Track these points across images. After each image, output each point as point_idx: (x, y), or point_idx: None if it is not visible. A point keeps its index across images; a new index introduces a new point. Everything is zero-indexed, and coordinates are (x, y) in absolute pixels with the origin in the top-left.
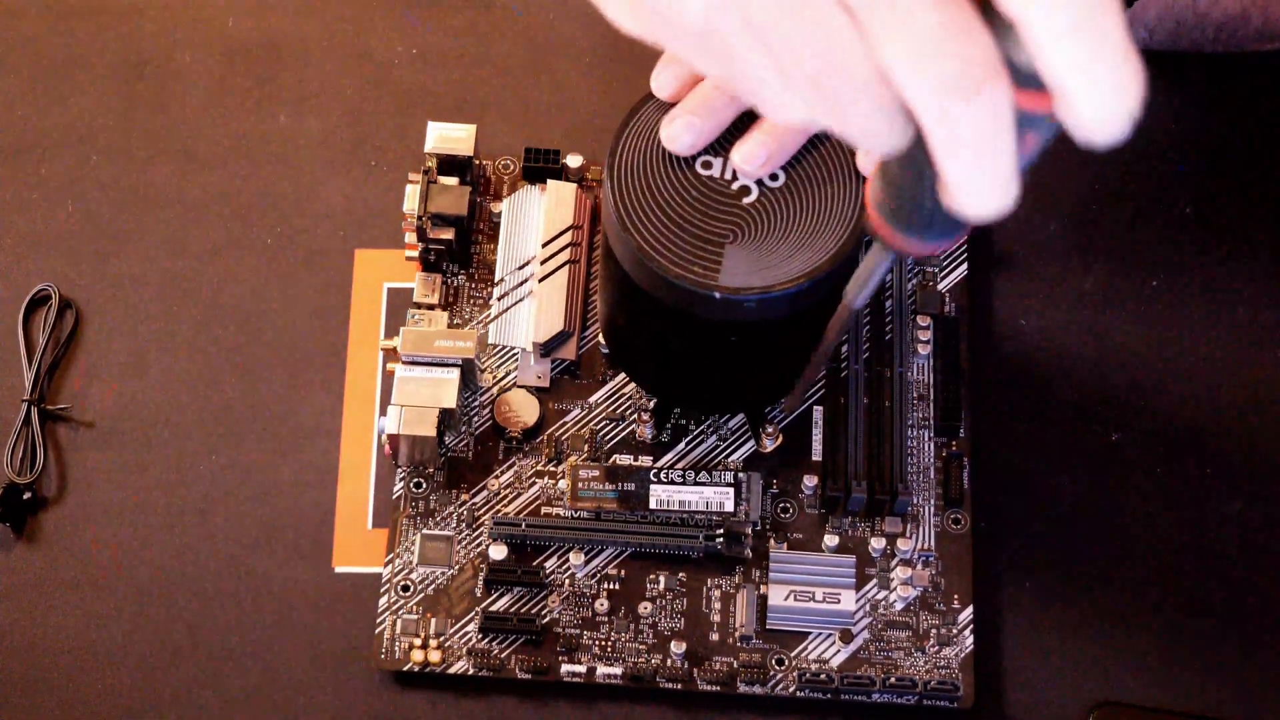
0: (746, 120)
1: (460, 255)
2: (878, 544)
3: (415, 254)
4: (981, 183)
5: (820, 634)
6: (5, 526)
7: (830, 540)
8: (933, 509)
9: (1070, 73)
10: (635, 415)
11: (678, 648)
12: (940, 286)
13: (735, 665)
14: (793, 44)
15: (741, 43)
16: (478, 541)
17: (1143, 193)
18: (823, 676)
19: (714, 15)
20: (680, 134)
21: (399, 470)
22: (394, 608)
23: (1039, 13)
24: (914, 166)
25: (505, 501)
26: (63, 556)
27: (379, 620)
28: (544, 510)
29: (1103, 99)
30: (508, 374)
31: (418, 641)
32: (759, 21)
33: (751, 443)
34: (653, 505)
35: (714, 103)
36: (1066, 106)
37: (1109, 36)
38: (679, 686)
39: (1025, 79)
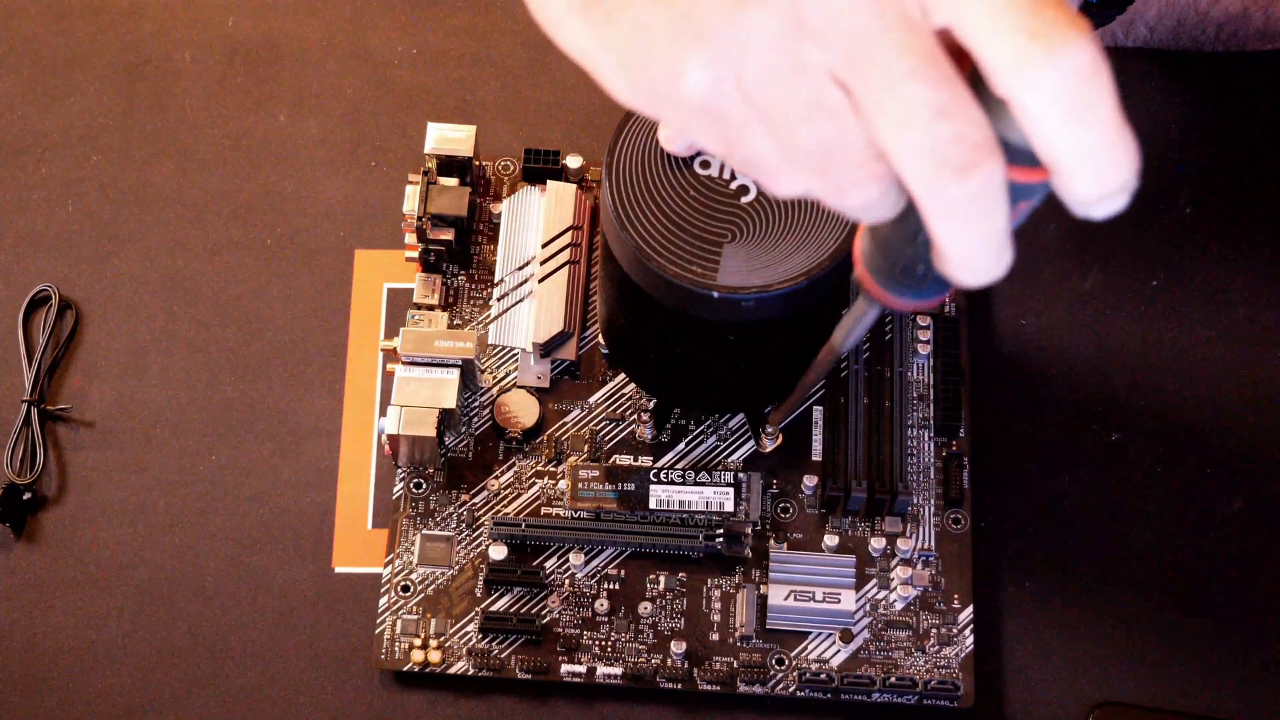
0: None
1: (460, 256)
2: (878, 544)
3: (415, 255)
4: (975, 254)
5: (820, 634)
6: (5, 526)
7: (830, 540)
8: (933, 509)
9: (1065, 152)
10: (635, 415)
11: (678, 648)
12: None
13: (735, 665)
14: (790, 120)
15: (740, 118)
16: (478, 542)
17: (1143, 193)
18: (823, 676)
19: (713, 91)
20: (677, 134)
21: (399, 470)
22: (394, 608)
23: (1032, 94)
24: (906, 229)
25: (505, 502)
26: (63, 556)
27: (379, 620)
28: (544, 510)
29: (1098, 176)
30: (508, 374)
31: (418, 642)
32: (757, 97)
33: (751, 443)
34: (652, 505)
35: None
36: (1062, 183)
37: (1102, 115)
38: (679, 686)
39: (1018, 155)
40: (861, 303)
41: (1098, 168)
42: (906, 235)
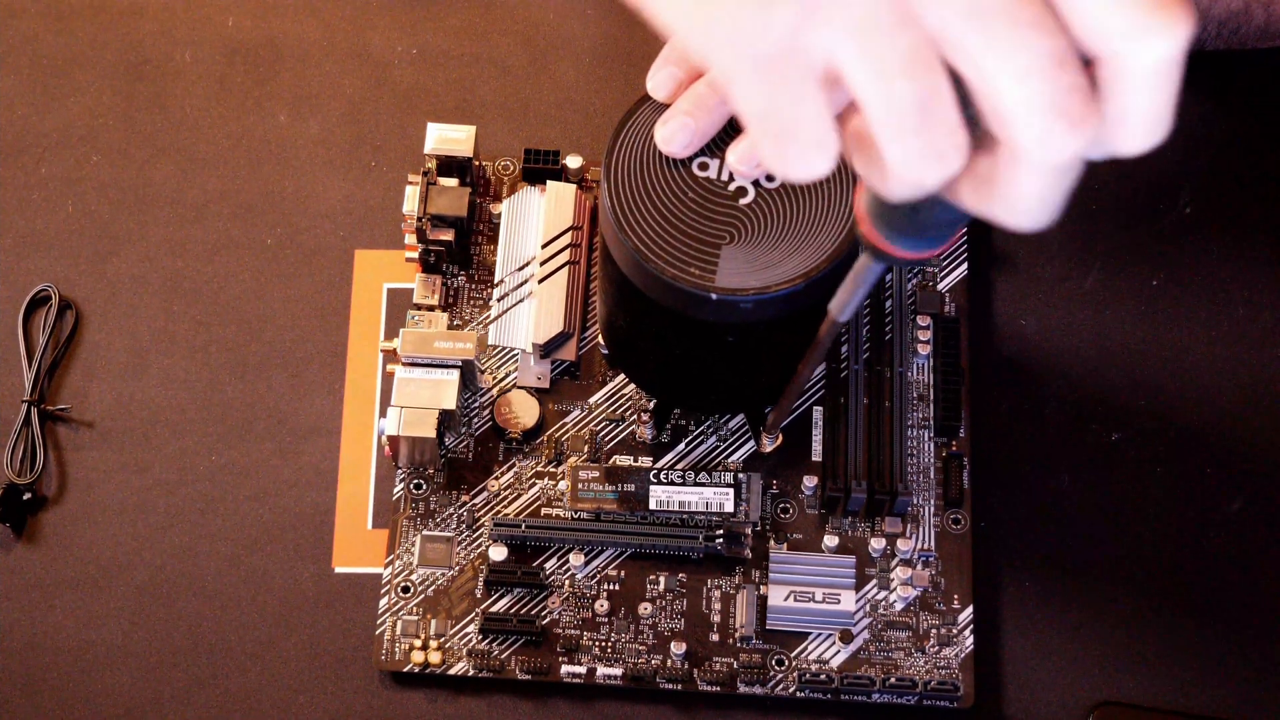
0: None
1: (460, 256)
2: (878, 544)
3: (415, 255)
4: (1047, 202)
5: (820, 634)
6: (5, 526)
7: (830, 540)
8: (933, 509)
9: (1134, 109)
10: (635, 416)
11: (678, 648)
12: (940, 286)
13: (735, 666)
14: (888, 71)
15: (802, 75)
16: (478, 542)
17: (1143, 193)
18: (823, 677)
19: (795, 35)
20: (675, 134)
21: (399, 471)
22: (394, 609)
23: (1139, 60)
24: None
25: (505, 503)
26: (63, 556)
27: (379, 621)
28: (544, 511)
29: (1144, 136)
30: (507, 375)
31: (418, 643)
32: (851, 43)
33: (751, 443)
34: (652, 506)
35: (708, 102)
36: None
37: (1172, 88)
38: (679, 687)
39: None
40: (859, 265)
41: (1150, 128)
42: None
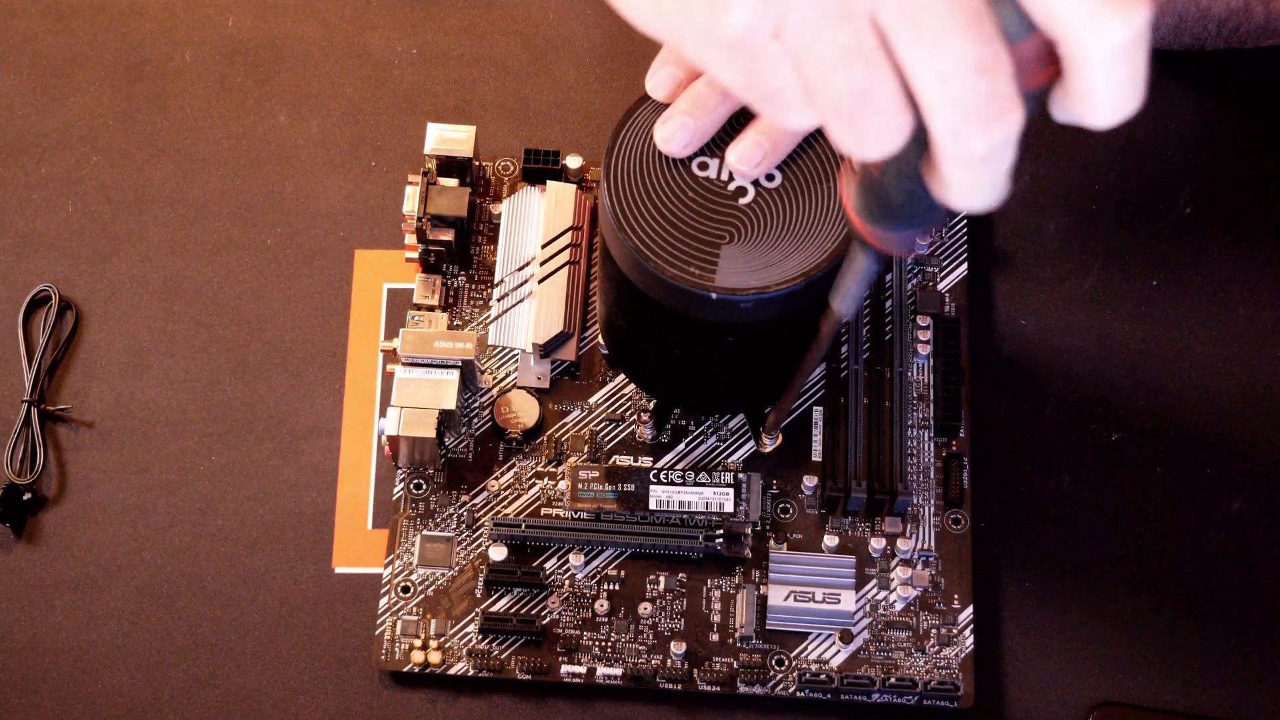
0: (742, 121)
1: (460, 256)
2: (878, 544)
3: (415, 255)
4: (981, 190)
5: (820, 634)
6: (5, 526)
7: (830, 540)
8: (933, 509)
9: (1100, 92)
10: (635, 416)
11: (678, 648)
12: (940, 286)
13: (735, 666)
14: (827, 64)
15: (770, 55)
16: (478, 542)
17: (1143, 193)
18: (823, 677)
19: (752, 29)
20: (675, 133)
21: (399, 471)
22: (394, 609)
23: (1098, 47)
24: (899, 169)
25: (505, 502)
26: (63, 556)
27: (379, 621)
28: (544, 511)
29: (1115, 111)
30: (507, 375)
31: (418, 642)
32: (798, 39)
33: (751, 443)
34: (652, 506)
35: (708, 101)
36: (1076, 107)
37: (1140, 70)
38: (679, 687)
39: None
40: (855, 260)
41: (1118, 103)
42: (900, 174)
